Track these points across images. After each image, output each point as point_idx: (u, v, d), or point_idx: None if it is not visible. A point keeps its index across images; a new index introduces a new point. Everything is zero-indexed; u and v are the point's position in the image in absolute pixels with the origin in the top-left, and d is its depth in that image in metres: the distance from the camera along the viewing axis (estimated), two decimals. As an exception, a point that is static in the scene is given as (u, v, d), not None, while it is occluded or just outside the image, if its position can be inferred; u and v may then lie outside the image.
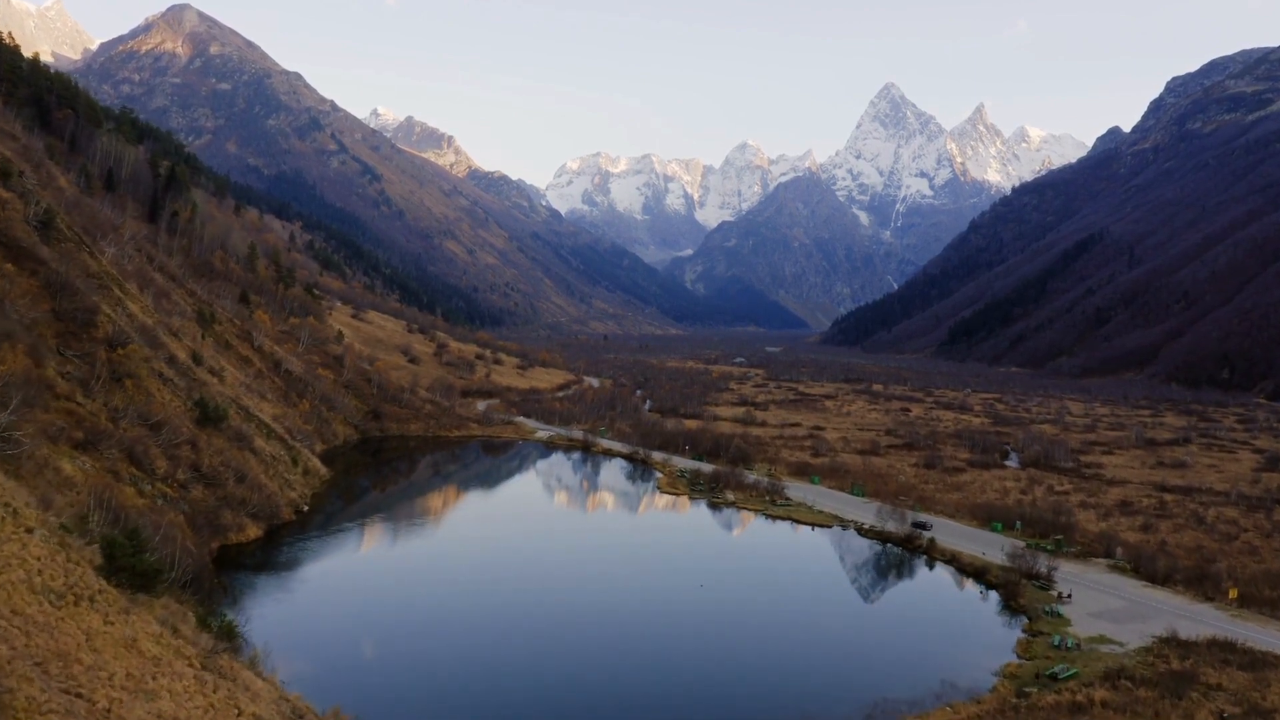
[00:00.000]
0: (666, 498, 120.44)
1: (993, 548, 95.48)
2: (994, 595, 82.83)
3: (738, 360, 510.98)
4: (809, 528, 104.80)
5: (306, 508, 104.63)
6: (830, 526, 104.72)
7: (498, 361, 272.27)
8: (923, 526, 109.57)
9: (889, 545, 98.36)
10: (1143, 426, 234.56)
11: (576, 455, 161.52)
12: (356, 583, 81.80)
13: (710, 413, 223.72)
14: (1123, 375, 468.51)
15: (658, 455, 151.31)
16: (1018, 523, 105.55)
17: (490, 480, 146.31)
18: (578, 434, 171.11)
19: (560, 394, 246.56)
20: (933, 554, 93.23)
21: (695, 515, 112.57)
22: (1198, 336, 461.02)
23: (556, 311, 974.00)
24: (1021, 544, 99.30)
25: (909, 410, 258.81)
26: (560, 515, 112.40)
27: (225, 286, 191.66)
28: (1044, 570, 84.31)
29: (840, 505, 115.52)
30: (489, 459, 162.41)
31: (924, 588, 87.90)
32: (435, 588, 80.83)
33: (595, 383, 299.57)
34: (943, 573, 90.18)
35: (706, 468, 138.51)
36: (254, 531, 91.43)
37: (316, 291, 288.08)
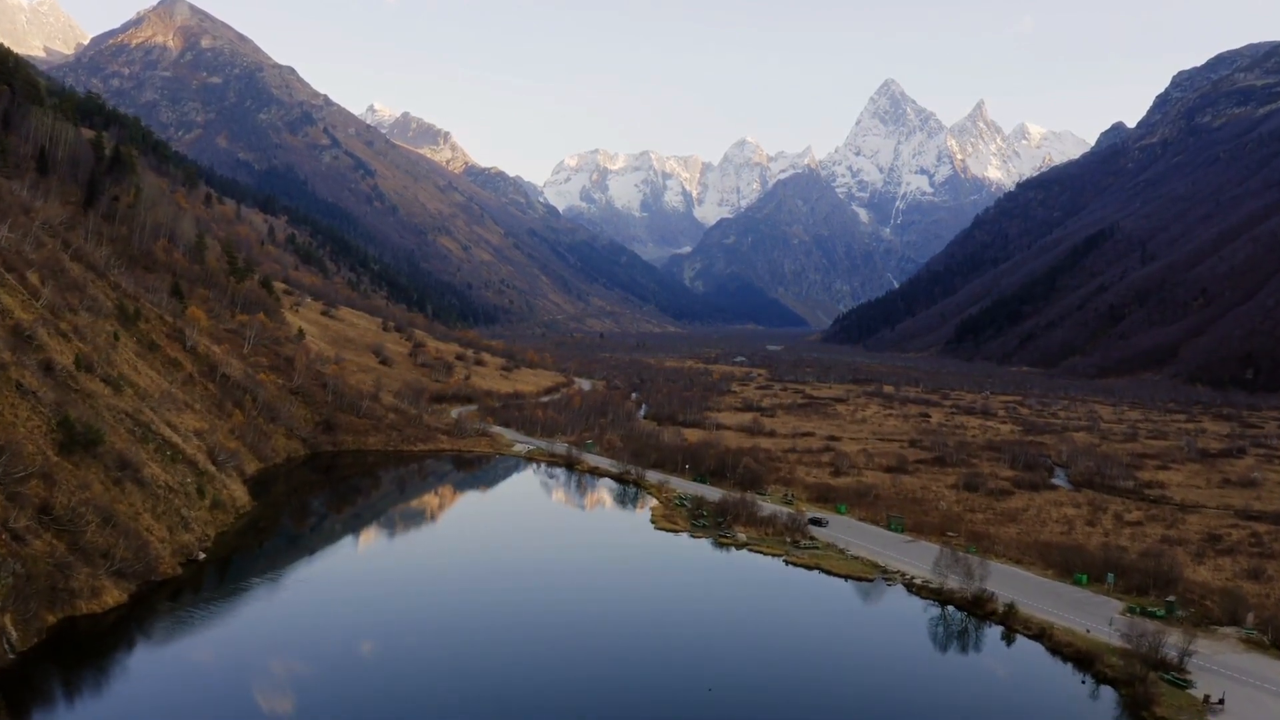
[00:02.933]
0: (661, 536, 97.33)
1: (1087, 613, 73.35)
2: (1107, 691, 60.48)
3: (738, 359, 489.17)
4: (842, 580, 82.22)
5: (203, 555, 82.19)
6: (870, 579, 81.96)
7: (479, 362, 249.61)
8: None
9: (949, 608, 75.94)
10: (1189, 435, 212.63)
11: (559, 474, 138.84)
12: (230, 681, 59.32)
13: (712, 420, 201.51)
14: (1141, 375, 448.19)
15: (652, 476, 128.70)
16: (1111, 575, 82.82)
17: (442, 512, 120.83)
18: (561, 448, 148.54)
19: (546, 398, 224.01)
20: (1011, 625, 70.68)
21: (696, 562, 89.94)
22: (1219, 335, 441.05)
23: (553, 309, 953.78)
24: (1118, 603, 77.37)
25: (928, 416, 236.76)
26: (521, 564, 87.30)
27: (164, 279, 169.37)
28: (1174, 656, 61.98)
29: (876, 545, 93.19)
30: (450, 482, 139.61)
31: (1006, 679, 65.34)
32: (332, 693, 58.33)
33: (587, 385, 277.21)
34: (1027, 651, 67.64)
35: (711, 493, 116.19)
36: (115, 596, 68.89)
37: (285, 286, 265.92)
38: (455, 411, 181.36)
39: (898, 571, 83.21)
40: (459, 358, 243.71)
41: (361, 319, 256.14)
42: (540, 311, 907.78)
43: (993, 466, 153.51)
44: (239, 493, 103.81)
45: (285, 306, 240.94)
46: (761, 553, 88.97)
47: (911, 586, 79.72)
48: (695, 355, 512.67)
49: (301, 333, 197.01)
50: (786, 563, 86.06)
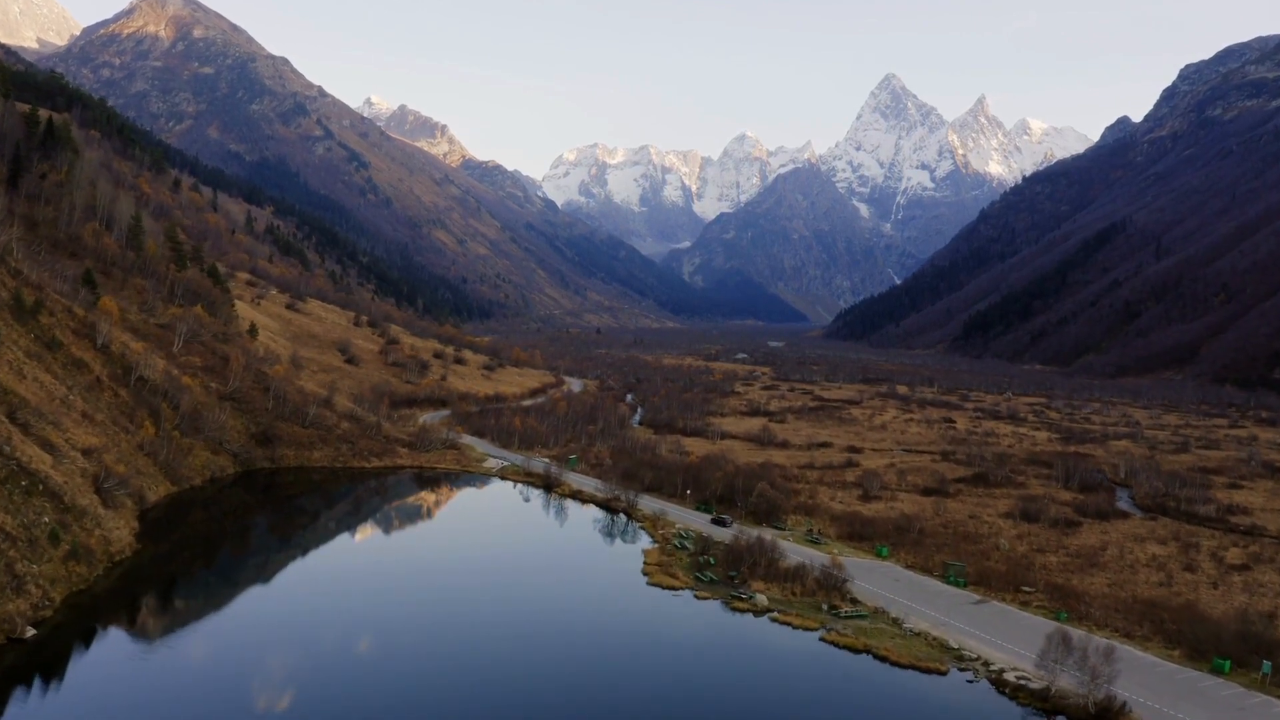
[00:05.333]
0: (655, 596, 74.36)
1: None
2: None
3: (740, 357, 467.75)
4: (903, 670, 59.85)
5: (33, 631, 60.12)
6: (943, 671, 59.57)
7: (459, 361, 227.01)
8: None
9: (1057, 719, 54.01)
10: (1246, 445, 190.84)
11: (534, 499, 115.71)
12: None
13: (716, 428, 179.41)
14: (1162, 375, 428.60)
15: (647, 503, 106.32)
16: (1267, 664, 60.73)
17: (365, 561, 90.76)
18: (540, 464, 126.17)
19: (530, 401, 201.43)
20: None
21: (702, 638, 66.33)
22: (1243, 333, 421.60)
23: (550, 304, 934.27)
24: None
25: (953, 421, 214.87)
26: (462, 647, 63.21)
27: (89, 266, 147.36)
28: None
29: (937, 610, 71.03)
30: (394, 512, 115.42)
31: None
32: None
33: (578, 385, 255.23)
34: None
35: (719, 530, 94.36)
36: None
37: (249, 277, 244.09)
38: (424, 418, 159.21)
39: (978, 658, 60.82)
40: (437, 355, 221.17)
41: (331, 313, 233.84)
42: (537, 306, 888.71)
43: (1044, 486, 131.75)
44: (120, 533, 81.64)
45: (247, 299, 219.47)
46: (789, 624, 66.33)
47: (1002, 684, 57.25)
48: (695, 352, 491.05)
49: (254, 328, 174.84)
50: (824, 640, 63.70)
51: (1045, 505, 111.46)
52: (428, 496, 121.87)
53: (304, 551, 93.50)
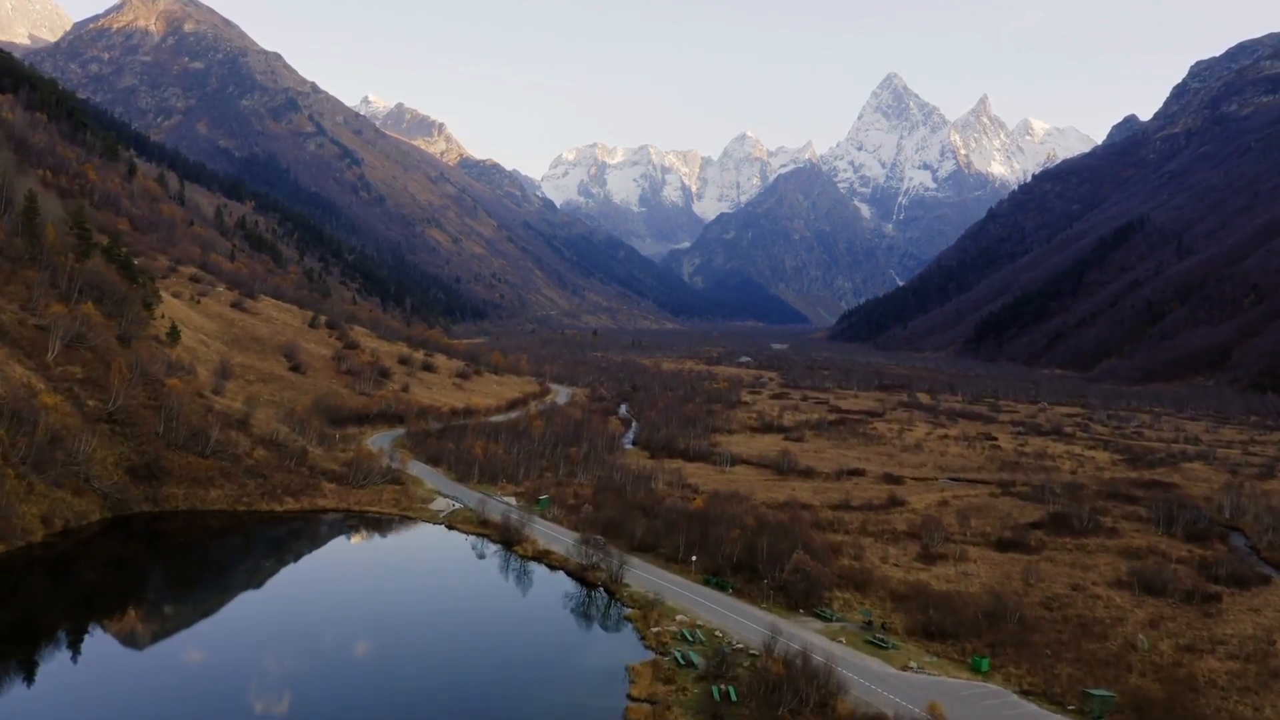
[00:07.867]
0: None
1: None
2: None
3: (744, 360, 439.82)
4: None
5: None
6: None
7: (428, 367, 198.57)
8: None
9: None
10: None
11: (489, 560, 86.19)
12: None
13: (723, 449, 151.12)
14: (1193, 380, 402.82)
15: (637, 574, 76.69)
16: None
17: (209, 666, 60.74)
18: (501, 507, 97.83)
19: (503, 416, 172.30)
20: None
21: None
22: (1278, 335, 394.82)
23: (546, 304, 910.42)
24: None
25: (994, 439, 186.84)
26: None
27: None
28: None
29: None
30: (283, 576, 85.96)
31: None
32: None
33: (565, 395, 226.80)
34: None
35: (736, 618, 66.45)
36: None
37: (195, 271, 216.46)
38: (371, 439, 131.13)
39: None
40: (402, 361, 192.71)
41: (284, 313, 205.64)
42: (533, 306, 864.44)
43: (1140, 530, 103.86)
44: None
45: (185, 297, 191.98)
46: None
47: None
48: (695, 355, 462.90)
49: (175, 330, 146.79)
50: None
51: (1167, 569, 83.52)
52: (336, 557, 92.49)
53: (125, 657, 64.76)
